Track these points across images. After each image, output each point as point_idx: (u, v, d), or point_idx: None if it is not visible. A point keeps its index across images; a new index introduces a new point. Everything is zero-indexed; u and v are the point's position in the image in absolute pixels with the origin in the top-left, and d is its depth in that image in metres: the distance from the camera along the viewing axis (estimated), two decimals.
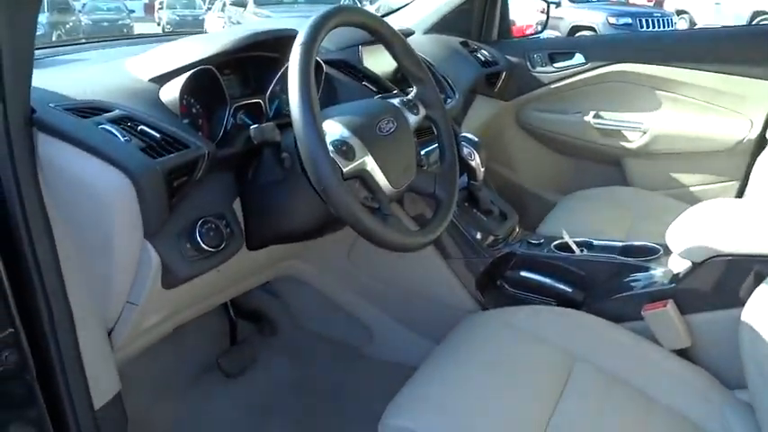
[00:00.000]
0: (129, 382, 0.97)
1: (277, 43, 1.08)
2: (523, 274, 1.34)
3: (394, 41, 1.02)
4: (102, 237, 0.82)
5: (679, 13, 11.31)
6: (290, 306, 1.67)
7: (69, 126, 0.79)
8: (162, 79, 0.96)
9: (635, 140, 1.93)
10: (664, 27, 8.64)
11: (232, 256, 0.97)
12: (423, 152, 1.31)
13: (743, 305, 0.97)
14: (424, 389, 0.97)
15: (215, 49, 0.99)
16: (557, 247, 1.34)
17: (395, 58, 1.04)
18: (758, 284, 0.97)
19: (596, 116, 1.97)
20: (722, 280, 1.07)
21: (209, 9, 11.40)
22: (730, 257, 1.06)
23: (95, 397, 0.84)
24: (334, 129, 0.89)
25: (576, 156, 2.10)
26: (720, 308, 1.07)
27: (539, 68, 2.02)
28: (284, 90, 1.15)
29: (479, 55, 1.93)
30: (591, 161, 2.08)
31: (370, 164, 0.90)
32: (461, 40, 1.96)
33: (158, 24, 13.47)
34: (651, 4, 12.38)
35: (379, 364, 1.52)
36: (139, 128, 0.85)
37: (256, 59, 1.11)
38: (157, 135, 0.85)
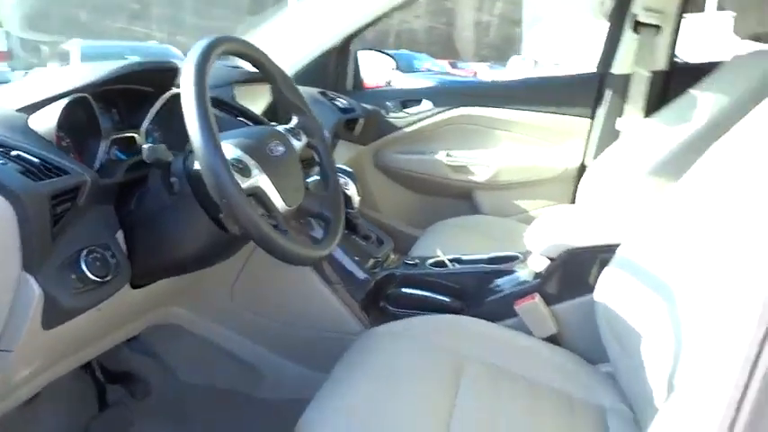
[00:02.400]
0: None
1: (152, 76, 1.08)
2: (405, 290, 1.42)
3: (276, 74, 1.07)
4: None
5: None
6: (165, 361, 1.56)
7: None
8: (30, 109, 0.91)
9: (482, 174, 2.16)
10: None
11: (117, 291, 0.92)
12: (307, 180, 1.35)
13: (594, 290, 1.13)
14: (322, 414, 0.95)
15: (87, 79, 0.96)
16: (432, 264, 1.45)
17: (276, 89, 1.08)
18: (603, 270, 1.14)
19: (448, 155, 2.17)
20: (575, 270, 1.24)
21: None
22: (578, 250, 1.24)
23: None
24: (227, 149, 0.90)
25: (432, 193, 2.28)
26: (577, 295, 1.23)
27: (392, 114, 2.20)
28: (160, 128, 1.13)
29: (337, 102, 2.04)
30: (445, 197, 2.27)
31: (265, 182, 0.92)
32: (319, 90, 2.06)
33: None
34: (472, 75, 13.89)
35: (271, 404, 1.48)
36: (13, 153, 0.80)
37: (128, 93, 1.09)
38: (36, 160, 0.80)
